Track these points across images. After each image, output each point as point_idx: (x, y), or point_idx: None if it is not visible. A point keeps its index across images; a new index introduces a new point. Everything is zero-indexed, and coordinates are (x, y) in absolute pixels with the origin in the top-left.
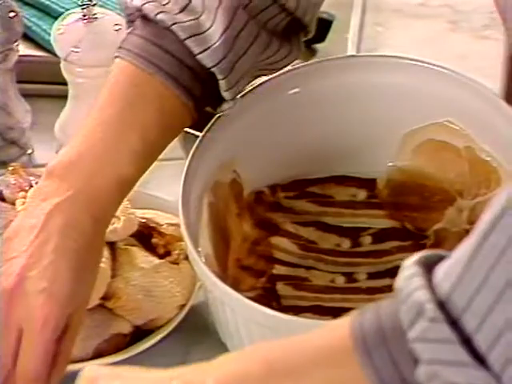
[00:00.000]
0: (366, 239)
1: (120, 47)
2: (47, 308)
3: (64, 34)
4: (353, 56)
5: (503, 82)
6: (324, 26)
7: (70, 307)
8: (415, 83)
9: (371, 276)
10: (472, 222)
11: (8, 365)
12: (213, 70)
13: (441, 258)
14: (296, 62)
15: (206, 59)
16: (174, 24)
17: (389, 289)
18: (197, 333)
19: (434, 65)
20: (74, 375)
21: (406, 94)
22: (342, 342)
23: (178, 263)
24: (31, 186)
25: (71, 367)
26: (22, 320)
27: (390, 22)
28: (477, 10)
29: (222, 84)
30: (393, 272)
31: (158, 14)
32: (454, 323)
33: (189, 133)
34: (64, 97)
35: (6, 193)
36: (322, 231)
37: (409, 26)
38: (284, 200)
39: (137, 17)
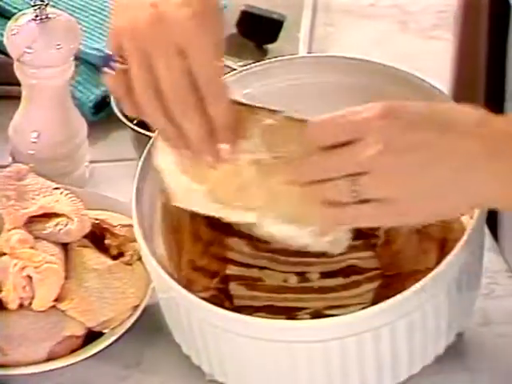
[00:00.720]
0: None
1: None
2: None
3: (17, 34)
4: (304, 56)
5: (452, 81)
6: (275, 27)
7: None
8: (365, 83)
9: (324, 275)
10: None
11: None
12: None
13: None
14: (248, 62)
15: None
16: None
17: (341, 288)
18: (151, 334)
19: (384, 65)
20: (27, 378)
21: (355, 94)
22: None
23: (131, 264)
24: None
25: (24, 370)
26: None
27: (340, 23)
28: (425, 10)
29: None
30: (345, 271)
31: None
32: None
33: (141, 133)
34: (18, 98)
35: None
36: None
37: (359, 26)
38: None
39: None
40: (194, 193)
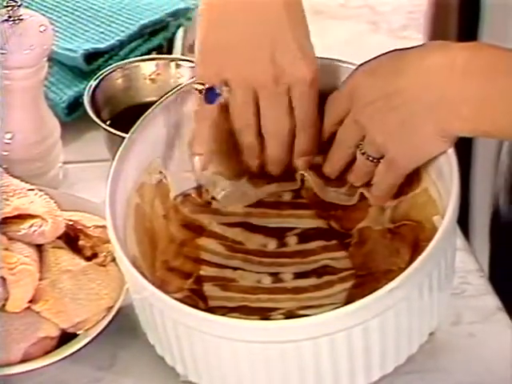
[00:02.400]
0: (292, 239)
1: None
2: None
3: None
4: None
5: None
6: None
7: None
8: (337, 84)
9: (297, 276)
10: (394, 220)
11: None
12: None
13: None
14: None
15: None
16: None
17: (315, 288)
18: (125, 335)
19: (354, 65)
20: (2, 380)
21: (327, 94)
22: None
23: (105, 265)
24: None
25: None
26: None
27: (311, 24)
28: (396, 10)
29: None
30: (318, 272)
31: None
32: None
33: (114, 134)
34: None
35: None
36: (249, 232)
37: (330, 27)
38: (211, 201)
39: None
40: None
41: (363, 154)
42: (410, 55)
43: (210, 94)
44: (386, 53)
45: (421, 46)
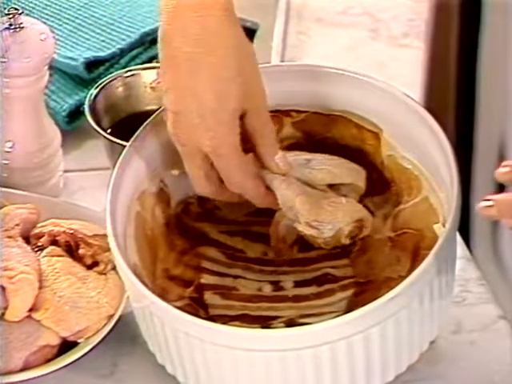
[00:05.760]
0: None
1: None
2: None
3: None
4: (277, 65)
5: (423, 89)
6: (248, 35)
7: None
8: (337, 91)
9: (298, 284)
10: (395, 229)
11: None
12: None
13: None
14: None
15: None
16: None
17: (315, 296)
18: (125, 343)
19: (355, 73)
20: None
21: (328, 102)
22: None
23: (105, 274)
24: None
25: None
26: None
27: (312, 31)
28: (396, 18)
29: None
30: (319, 280)
31: None
32: None
33: (115, 142)
34: None
35: None
36: (249, 240)
37: (331, 34)
38: (211, 209)
39: None
40: None
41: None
42: None
43: None
44: None
45: None
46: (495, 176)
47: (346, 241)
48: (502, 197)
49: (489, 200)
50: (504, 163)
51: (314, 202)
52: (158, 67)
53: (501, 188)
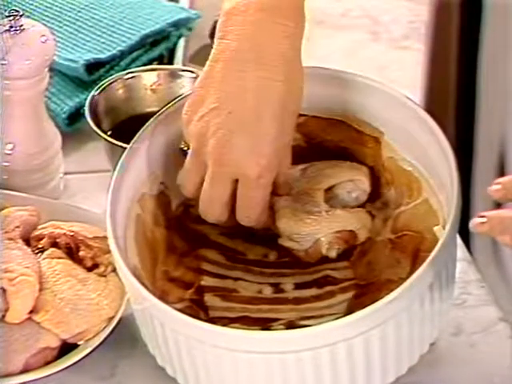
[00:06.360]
0: None
1: None
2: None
3: None
4: None
5: (423, 91)
6: None
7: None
8: (338, 94)
9: (298, 286)
10: (395, 231)
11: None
12: None
13: None
14: None
15: None
16: None
17: (315, 298)
18: (125, 345)
19: (356, 75)
20: None
21: (329, 105)
22: None
23: (105, 276)
24: None
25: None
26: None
27: (313, 34)
28: (396, 20)
29: None
30: (319, 282)
31: None
32: None
33: (115, 144)
34: None
35: None
36: (250, 242)
37: (331, 37)
38: None
39: None
40: None
41: None
42: None
43: None
44: None
45: None
46: (488, 193)
47: (329, 253)
48: (495, 213)
49: (482, 216)
50: (496, 181)
51: (295, 217)
52: (159, 69)
53: None
